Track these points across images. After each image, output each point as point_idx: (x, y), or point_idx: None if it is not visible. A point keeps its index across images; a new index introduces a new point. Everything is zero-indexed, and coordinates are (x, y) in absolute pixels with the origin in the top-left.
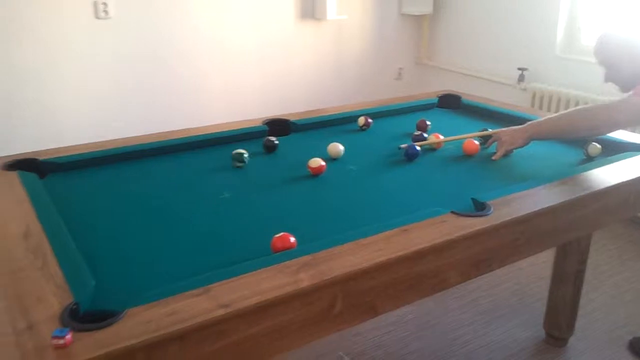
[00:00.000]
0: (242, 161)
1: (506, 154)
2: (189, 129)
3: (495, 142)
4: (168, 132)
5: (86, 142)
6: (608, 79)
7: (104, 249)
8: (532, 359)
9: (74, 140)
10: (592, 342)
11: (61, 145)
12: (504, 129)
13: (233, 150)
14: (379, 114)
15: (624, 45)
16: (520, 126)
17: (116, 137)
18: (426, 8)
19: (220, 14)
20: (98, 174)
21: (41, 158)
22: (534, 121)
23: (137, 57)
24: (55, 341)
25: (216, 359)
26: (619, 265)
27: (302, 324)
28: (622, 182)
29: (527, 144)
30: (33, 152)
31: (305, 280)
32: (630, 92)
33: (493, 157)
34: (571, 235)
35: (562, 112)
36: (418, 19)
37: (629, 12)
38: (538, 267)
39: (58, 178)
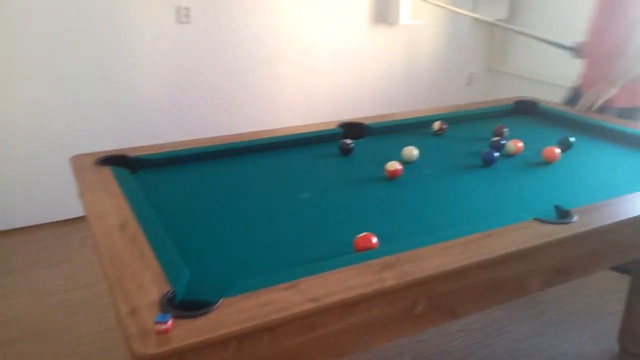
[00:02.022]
0: None
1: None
2: (267, 130)
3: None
4: (248, 132)
5: (165, 140)
6: None
7: (195, 243)
8: None
9: (155, 139)
10: None
11: (144, 144)
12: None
13: (309, 152)
14: (453, 119)
15: None
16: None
17: (193, 137)
18: (501, 13)
19: (295, 19)
20: (184, 172)
21: (131, 155)
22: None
23: (215, 61)
24: (158, 326)
25: (304, 351)
26: None
27: (385, 322)
28: None
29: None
30: (122, 149)
31: (389, 279)
32: None
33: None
34: None
35: (625, 62)
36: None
37: None
38: (612, 280)
39: (147, 174)
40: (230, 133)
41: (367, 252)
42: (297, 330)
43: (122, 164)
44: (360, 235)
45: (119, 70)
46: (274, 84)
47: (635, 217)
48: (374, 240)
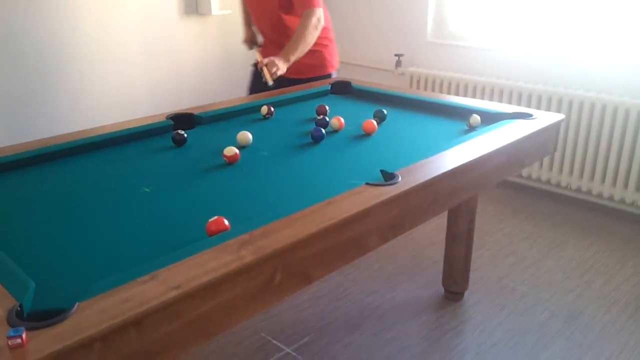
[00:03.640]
0: None
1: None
2: (91, 129)
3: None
4: (69, 133)
5: None
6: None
7: (37, 252)
8: (435, 314)
9: None
10: (484, 292)
11: None
12: (270, 57)
13: (140, 147)
14: (278, 103)
15: None
16: (279, 56)
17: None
18: None
19: (102, 12)
20: (3, 181)
21: None
22: (284, 53)
23: (11, 58)
24: (11, 341)
25: (173, 340)
26: (498, 223)
27: (248, 297)
28: (504, 146)
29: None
30: None
31: (248, 255)
32: (315, 7)
33: (269, 83)
34: (467, 194)
35: (293, 40)
36: None
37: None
38: (430, 233)
39: None
40: (58, 135)
41: (222, 235)
42: (164, 320)
43: None
44: (212, 219)
45: None
46: (82, 83)
47: (448, 171)
48: (226, 222)
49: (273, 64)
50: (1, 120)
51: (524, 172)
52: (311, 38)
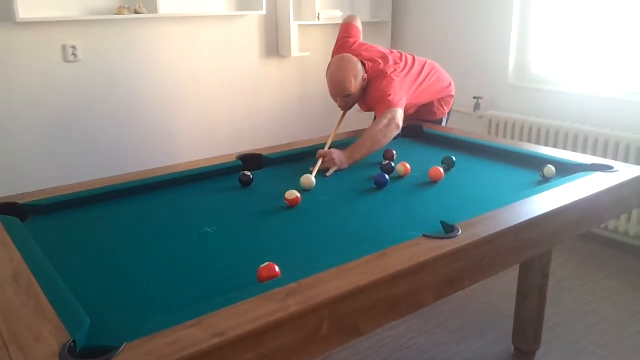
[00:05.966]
0: None
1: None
2: (166, 167)
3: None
4: (145, 171)
5: (57, 185)
6: (348, 106)
7: (95, 288)
8: None
9: (45, 183)
10: (558, 354)
11: (34, 189)
12: (333, 150)
13: (210, 186)
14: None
15: (351, 73)
16: (344, 152)
17: (88, 179)
18: (383, 44)
19: (187, 55)
20: (78, 215)
21: (20, 202)
22: (350, 149)
23: (107, 99)
24: None
25: None
26: (580, 279)
27: (293, 347)
28: (576, 201)
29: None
30: (11, 196)
31: (293, 306)
32: (392, 108)
33: (313, 173)
34: (534, 251)
35: (362, 137)
36: None
37: (576, 41)
38: (506, 285)
39: (39, 220)
40: (129, 172)
41: (271, 282)
42: None
43: (12, 212)
44: (263, 265)
45: (2, 112)
46: (170, 121)
47: (512, 227)
48: (277, 269)
49: (332, 162)
50: (90, 155)
51: (611, 225)
52: (382, 136)
